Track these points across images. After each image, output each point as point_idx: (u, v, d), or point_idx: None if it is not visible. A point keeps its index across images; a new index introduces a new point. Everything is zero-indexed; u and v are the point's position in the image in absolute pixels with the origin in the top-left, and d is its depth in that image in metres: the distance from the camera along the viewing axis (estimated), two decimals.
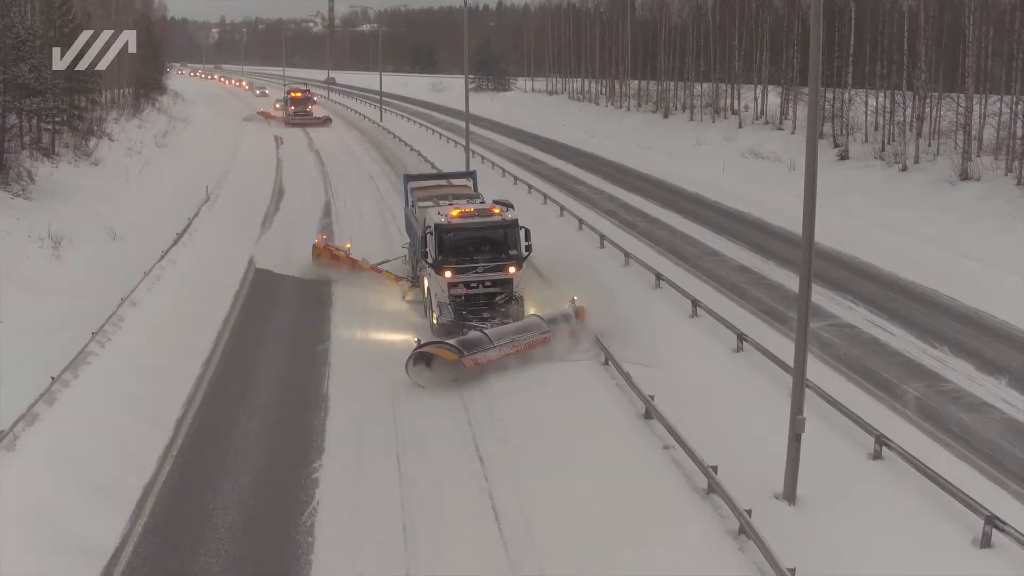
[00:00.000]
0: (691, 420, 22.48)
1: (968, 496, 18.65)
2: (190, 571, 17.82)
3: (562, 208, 50.44)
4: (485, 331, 27.75)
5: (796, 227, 20.23)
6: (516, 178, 61.32)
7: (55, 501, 19.13)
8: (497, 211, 31.44)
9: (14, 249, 34.92)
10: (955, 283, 34.73)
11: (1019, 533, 17.25)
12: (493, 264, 30.39)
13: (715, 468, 19.92)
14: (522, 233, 30.82)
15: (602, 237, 43.07)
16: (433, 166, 66.31)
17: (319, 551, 18.54)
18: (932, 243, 40.70)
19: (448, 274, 29.93)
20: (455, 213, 30.83)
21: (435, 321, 30.32)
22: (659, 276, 35.89)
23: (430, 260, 30.29)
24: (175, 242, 40.75)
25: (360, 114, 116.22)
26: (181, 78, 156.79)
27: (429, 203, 33.98)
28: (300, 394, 26.54)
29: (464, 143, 65.92)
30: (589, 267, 36.42)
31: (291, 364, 29.22)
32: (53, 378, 23.78)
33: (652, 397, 23.69)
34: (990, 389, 25.42)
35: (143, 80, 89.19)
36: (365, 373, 27.73)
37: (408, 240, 37.92)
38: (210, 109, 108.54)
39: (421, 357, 26.50)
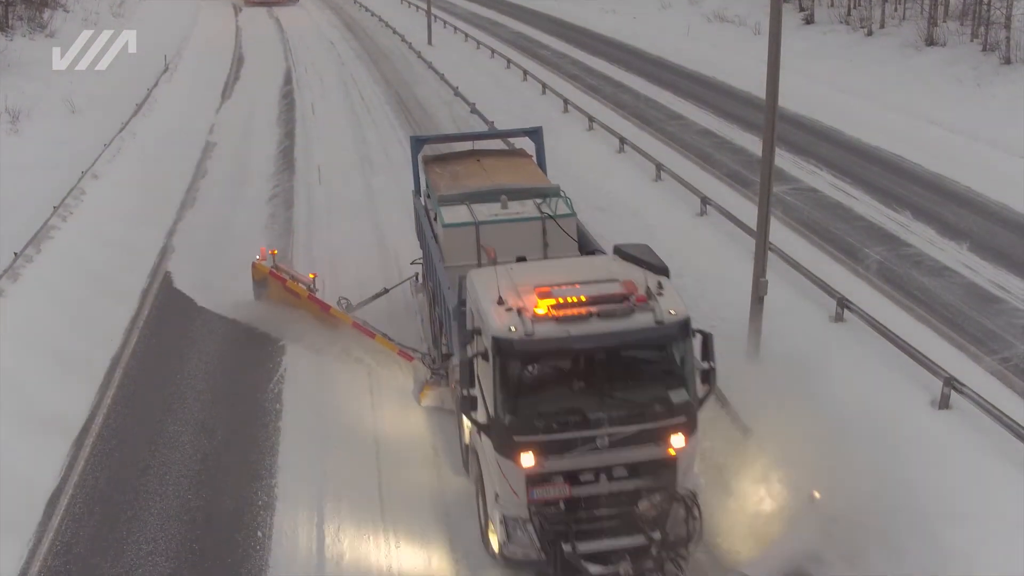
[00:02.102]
0: None
1: (927, 358, 18.96)
2: (159, 440, 17.96)
3: (525, 72, 49.75)
4: None
5: (760, 91, 20.07)
6: (479, 43, 60.47)
7: (23, 375, 19.18)
8: (641, 296, 13.60)
9: None
10: (918, 149, 34.70)
11: (977, 394, 17.58)
12: (633, 427, 13.33)
13: None
14: (697, 346, 13.90)
15: (565, 101, 42.66)
16: (395, 31, 65.41)
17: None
18: (896, 108, 40.56)
19: (528, 460, 13.19)
20: (544, 307, 13.25)
21: (498, 551, 13.78)
22: (623, 140, 35.80)
23: (483, 419, 13.64)
24: (134, 113, 40.24)
25: None
26: None
27: (463, 210, 18.11)
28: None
29: (426, 7, 65.10)
30: (552, 131, 35.47)
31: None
32: (16, 253, 23.65)
33: None
34: (951, 254, 25.62)
35: None
36: None
37: (420, 256, 21.63)
38: None
39: None
